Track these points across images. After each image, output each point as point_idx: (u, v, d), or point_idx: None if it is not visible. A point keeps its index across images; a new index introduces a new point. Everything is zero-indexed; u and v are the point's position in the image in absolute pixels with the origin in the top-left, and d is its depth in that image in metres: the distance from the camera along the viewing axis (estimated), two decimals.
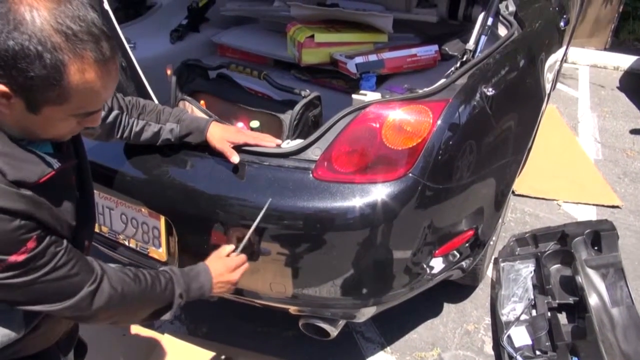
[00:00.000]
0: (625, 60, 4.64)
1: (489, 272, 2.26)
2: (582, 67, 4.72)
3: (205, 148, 1.47)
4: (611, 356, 1.78)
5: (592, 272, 2.11)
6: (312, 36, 2.26)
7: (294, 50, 2.34)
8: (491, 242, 1.99)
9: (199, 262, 1.22)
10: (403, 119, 1.44)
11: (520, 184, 2.83)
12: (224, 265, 1.23)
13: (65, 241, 0.88)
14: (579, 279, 2.00)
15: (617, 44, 4.91)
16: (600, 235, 2.18)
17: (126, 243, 1.65)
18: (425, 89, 1.52)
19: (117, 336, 1.90)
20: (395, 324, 2.04)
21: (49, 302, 0.88)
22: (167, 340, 1.87)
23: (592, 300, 1.99)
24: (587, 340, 1.77)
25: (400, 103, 1.46)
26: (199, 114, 1.63)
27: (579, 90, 4.26)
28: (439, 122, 1.43)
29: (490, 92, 1.57)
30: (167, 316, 1.09)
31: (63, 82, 0.75)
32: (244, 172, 1.45)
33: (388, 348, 1.96)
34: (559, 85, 4.15)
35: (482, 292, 2.21)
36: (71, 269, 0.88)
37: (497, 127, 1.64)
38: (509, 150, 1.73)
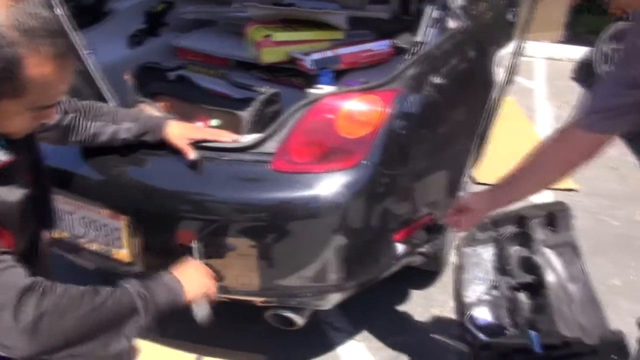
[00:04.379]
0: (579, 53, 4.82)
1: (452, 257, 2.32)
2: (539, 60, 4.87)
3: (164, 146, 1.48)
4: (569, 329, 1.85)
5: (549, 252, 2.18)
6: (270, 35, 2.29)
7: (253, 50, 2.37)
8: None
9: (164, 261, 1.16)
10: (356, 109, 1.49)
11: (481, 173, 2.91)
12: (183, 265, 1.13)
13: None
14: (537, 258, 2.08)
15: (572, 37, 5.08)
16: (555, 216, 2.26)
17: (88, 247, 1.64)
18: (377, 80, 1.57)
19: None
20: (363, 312, 2.08)
21: None
22: (135, 342, 1.86)
23: (550, 277, 2.06)
24: (545, 314, 1.84)
25: (352, 94, 1.51)
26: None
27: (535, 82, 4.40)
28: (390, 110, 1.49)
29: (438, 80, 1.64)
30: (141, 321, 0.99)
31: (20, 76, 0.77)
32: (203, 167, 1.47)
33: (357, 336, 2.00)
34: (517, 78, 4.28)
35: (446, 278, 2.27)
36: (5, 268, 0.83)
37: (446, 114, 1.71)
38: (459, 136, 1.80)
